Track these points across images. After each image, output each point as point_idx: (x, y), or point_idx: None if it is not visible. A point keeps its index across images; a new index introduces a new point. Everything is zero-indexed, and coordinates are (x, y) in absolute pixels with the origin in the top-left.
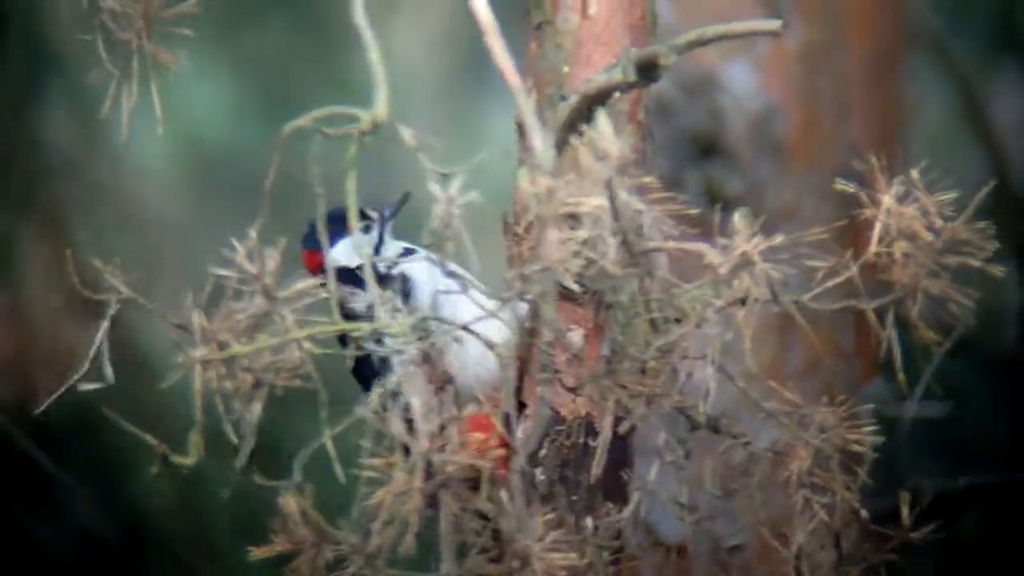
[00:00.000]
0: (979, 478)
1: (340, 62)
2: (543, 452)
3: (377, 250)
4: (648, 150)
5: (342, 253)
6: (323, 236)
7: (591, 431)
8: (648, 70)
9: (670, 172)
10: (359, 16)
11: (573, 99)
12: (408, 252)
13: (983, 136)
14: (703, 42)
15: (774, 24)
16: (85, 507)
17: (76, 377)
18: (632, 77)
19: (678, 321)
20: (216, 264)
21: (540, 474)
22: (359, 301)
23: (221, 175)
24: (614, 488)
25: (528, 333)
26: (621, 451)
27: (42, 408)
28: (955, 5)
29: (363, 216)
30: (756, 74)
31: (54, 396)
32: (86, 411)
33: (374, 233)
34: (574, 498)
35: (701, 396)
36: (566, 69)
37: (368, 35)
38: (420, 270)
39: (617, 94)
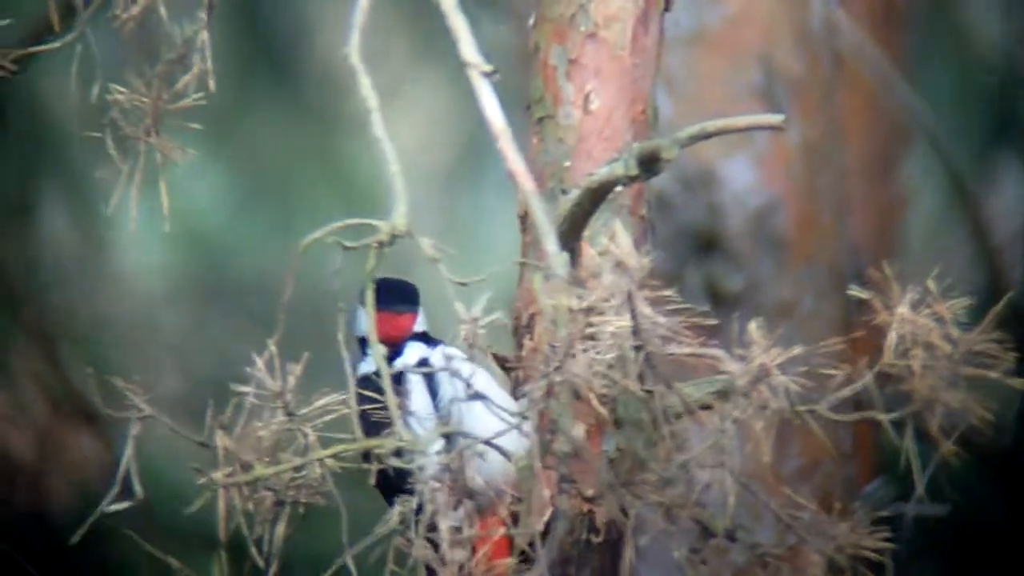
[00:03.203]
0: None
1: (338, 154)
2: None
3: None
4: (651, 245)
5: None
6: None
7: (592, 527)
8: (650, 164)
9: (669, 267)
10: (379, 129)
11: (574, 193)
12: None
13: (979, 235)
14: (705, 136)
15: (777, 118)
16: None
17: (107, 500)
18: (634, 171)
19: (684, 415)
20: (212, 363)
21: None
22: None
23: (217, 271)
24: None
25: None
26: (615, 552)
27: (76, 538)
28: (953, 103)
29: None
30: (756, 170)
31: (88, 523)
32: (80, 519)
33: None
34: None
35: (713, 503)
36: (567, 163)
37: (388, 147)
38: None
39: (619, 188)
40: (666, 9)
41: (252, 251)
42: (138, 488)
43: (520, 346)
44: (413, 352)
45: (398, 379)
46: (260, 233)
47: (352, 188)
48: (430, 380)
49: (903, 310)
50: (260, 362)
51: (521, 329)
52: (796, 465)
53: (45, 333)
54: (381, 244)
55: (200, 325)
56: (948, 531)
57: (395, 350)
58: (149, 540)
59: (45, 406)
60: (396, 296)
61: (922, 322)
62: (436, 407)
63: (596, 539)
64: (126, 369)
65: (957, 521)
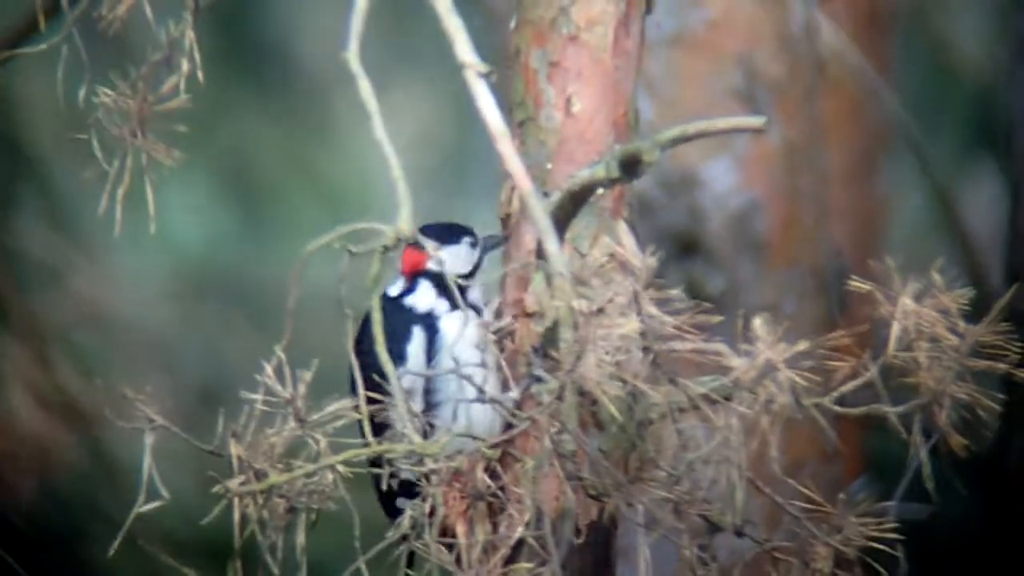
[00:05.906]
0: None
1: (321, 158)
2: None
3: (474, 271)
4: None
5: (451, 257)
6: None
7: (575, 527)
8: (631, 166)
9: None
10: (379, 131)
11: (556, 196)
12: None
13: (957, 236)
14: (686, 138)
15: (758, 121)
16: None
17: (138, 506)
18: (615, 173)
19: (691, 410)
20: (199, 365)
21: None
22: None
23: (198, 275)
24: None
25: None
26: (604, 547)
27: (112, 551)
28: (932, 106)
29: (470, 233)
30: (737, 172)
31: (120, 535)
32: (66, 520)
33: (477, 253)
34: None
35: (716, 498)
36: (549, 166)
37: (390, 151)
38: (453, 324)
39: (600, 190)
40: (647, 12)
41: (236, 255)
42: (163, 490)
43: (501, 348)
44: (423, 295)
45: (428, 317)
46: (245, 237)
47: (335, 192)
48: (431, 334)
49: (907, 301)
50: (268, 369)
51: (503, 331)
52: (781, 463)
53: (33, 336)
54: (386, 249)
55: (186, 328)
56: (928, 533)
57: (410, 285)
58: (139, 544)
59: (34, 409)
60: (427, 232)
61: (926, 314)
62: (429, 363)
63: (578, 541)
64: (113, 372)
65: (936, 523)
